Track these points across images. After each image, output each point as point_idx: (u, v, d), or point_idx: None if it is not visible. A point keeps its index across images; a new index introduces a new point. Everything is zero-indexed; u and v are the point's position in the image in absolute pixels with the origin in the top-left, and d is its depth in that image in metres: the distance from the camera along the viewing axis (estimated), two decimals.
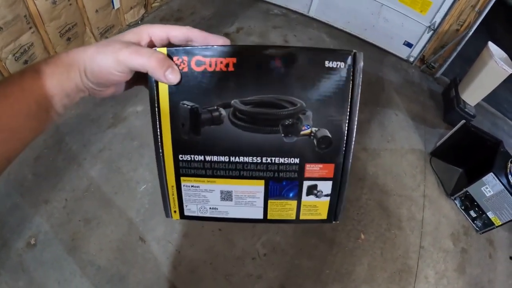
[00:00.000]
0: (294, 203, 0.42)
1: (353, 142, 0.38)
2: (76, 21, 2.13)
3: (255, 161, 0.39)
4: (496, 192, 1.88)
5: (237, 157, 0.39)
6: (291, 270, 1.61)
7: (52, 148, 1.77)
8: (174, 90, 0.35)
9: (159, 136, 0.38)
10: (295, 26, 3.32)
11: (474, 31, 2.86)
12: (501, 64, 2.36)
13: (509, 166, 1.90)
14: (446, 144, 2.31)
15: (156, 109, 0.36)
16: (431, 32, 3.08)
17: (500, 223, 1.93)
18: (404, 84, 3.07)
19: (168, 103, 0.36)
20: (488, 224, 1.98)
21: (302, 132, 0.37)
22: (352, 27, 3.40)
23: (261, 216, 0.43)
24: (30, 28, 1.84)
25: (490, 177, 1.89)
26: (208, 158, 0.39)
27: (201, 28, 0.36)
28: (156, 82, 0.35)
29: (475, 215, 2.03)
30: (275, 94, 0.36)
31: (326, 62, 0.35)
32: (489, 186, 1.91)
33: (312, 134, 0.37)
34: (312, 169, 0.39)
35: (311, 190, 0.41)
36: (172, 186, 0.41)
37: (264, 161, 0.39)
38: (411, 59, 3.34)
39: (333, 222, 0.43)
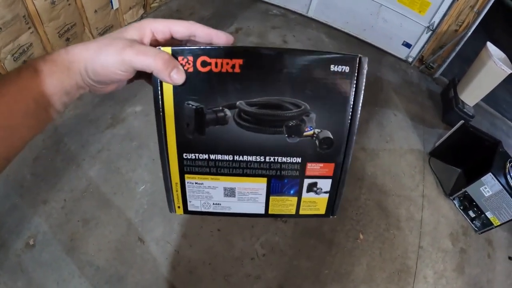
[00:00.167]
0: (294, 199, 0.43)
1: (353, 143, 0.39)
2: (75, 21, 2.13)
3: (259, 160, 0.40)
4: (494, 192, 1.89)
5: (241, 156, 0.39)
6: (289, 270, 1.61)
7: (50, 149, 1.77)
8: (178, 90, 0.35)
9: (163, 135, 0.38)
10: (294, 26, 3.32)
11: (473, 31, 2.87)
12: (500, 64, 2.37)
13: (507, 166, 1.91)
14: (444, 144, 2.31)
15: (160, 108, 0.36)
16: (429, 33, 3.09)
17: (499, 223, 1.93)
18: (403, 84, 3.07)
19: (173, 103, 0.36)
20: (487, 224, 1.99)
21: (305, 133, 0.38)
22: (351, 27, 3.41)
23: (262, 211, 0.44)
24: (29, 28, 1.84)
25: (488, 177, 1.89)
26: (212, 156, 0.39)
27: None
28: (161, 82, 0.35)
29: (474, 215, 2.04)
30: (280, 96, 0.36)
31: (332, 66, 0.35)
32: (487, 186, 1.91)
33: (315, 135, 0.38)
34: (313, 168, 0.41)
35: (311, 188, 0.42)
36: (176, 183, 0.42)
37: (267, 160, 0.40)
38: (410, 60, 3.35)
39: (331, 216, 0.45)
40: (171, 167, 0.40)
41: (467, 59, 2.97)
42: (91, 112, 1.99)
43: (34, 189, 1.61)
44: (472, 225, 2.06)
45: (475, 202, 2.00)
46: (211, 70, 0.34)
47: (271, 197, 0.43)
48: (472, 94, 2.66)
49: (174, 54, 0.34)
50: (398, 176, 2.21)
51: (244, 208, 0.44)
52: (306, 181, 0.42)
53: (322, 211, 0.44)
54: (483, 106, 3.14)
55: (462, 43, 2.95)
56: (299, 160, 0.40)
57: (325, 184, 0.42)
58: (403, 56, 3.37)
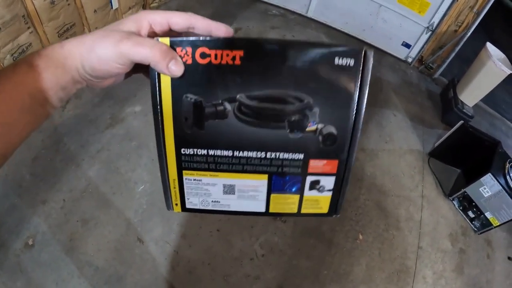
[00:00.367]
0: (296, 197, 0.42)
1: (357, 140, 0.37)
2: (74, 21, 2.13)
3: (259, 156, 0.38)
4: (494, 192, 1.89)
5: (241, 152, 0.38)
6: (289, 270, 1.61)
7: (50, 149, 1.77)
8: (177, 83, 0.34)
9: (161, 130, 0.37)
10: (293, 26, 3.32)
11: (472, 31, 2.87)
12: (499, 64, 2.37)
13: (507, 166, 1.91)
14: (444, 145, 2.31)
15: (158, 102, 0.35)
16: (429, 33, 3.09)
17: (498, 224, 1.93)
18: (402, 85, 3.08)
19: (171, 96, 0.35)
20: (486, 225, 1.99)
21: (308, 129, 0.37)
22: (351, 27, 3.41)
23: (263, 210, 0.43)
24: (28, 28, 1.84)
25: (488, 178, 1.89)
26: (211, 152, 0.38)
27: None
28: (158, 74, 0.34)
29: (473, 216, 2.04)
30: (282, 89, 0.35)
31: (336, 59, 0.34)
32: (487, 187, 1.91)
33: (318, 130, 0.37)
34: (316, 164, 0.39)
35: (314, 185, 0.41)
36: (174, 180, 0.40)
37: (268, 156, 0.38)
38: (409, 60, 3.35)
39: (334, 216, 0.43)
40: (168, 163, 0.39)
41: (466, 59, 2.97)
42: (91, 112, 1.99)
43: (33, 189, 1.60)
44: (472, 225, 2.06)
45: (474, 202, 2.00)
46: (210, 62, 0.33)
47: (272, 195, 0.41)
48: (472, 94, 2.66)
49: (172, 45, 0.33)
50: (397, 176, 2.21)
51: (244, 206, 0.42)
52: (309, 179, 0.40)
53: (324, 210, 0.43)
54: (483, 106, 3.14)
55: (462, 43, 2.95)
56: (301, 156, 0.38)
57: (328, 182, 0.40)
58: (402, 57, 3.37)
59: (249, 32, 3.05)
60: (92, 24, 2.27)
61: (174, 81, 0.34)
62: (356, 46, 0.34)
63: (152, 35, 0.34)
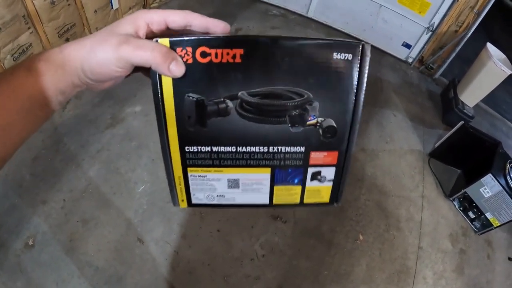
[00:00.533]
0: (298, 188, 0.43)
1: (356, 130, 0.39)
2: (74, 21, 2.13)
3: (262, 150, 0.39)
4: (494, 193, 1.89)
5: (244, 147, 0.39)
6: (289, 271, 1.61)
7: (50, 149, 1.77)
8: (178, 83, 0.34)
9: (164, 129, 0.37)
10: (294, 27, 3.32)
11: (473, 32, 2.87)
12: (500, 65, 2.37)
13: (507, 167, 1.91)
14: (444, 145, 2.31)
15: (160, 102, 0.36)
16: (429, 33, 3.09)
17: (499, 224, 1.93)
18: (403, 85, 3.07)
19: (173, 96, 0.35)
20: (486, 225, 1.99)
21: (308, 122, 0.38)
22: (351, 28, 3.41)
23: (267, 201, 0.44)
24: (29, 28, 1.84)
25: (488, 178, 1.89)
26: (215, 149, 0.39)
27: None
28: (159, 75, 0.34)
29: (474, 216, 2.04)
30: (282, 86, 0.36)
31: (335, 54, 0.34)
32: (487, 187, 1.91)
33: (318, 124, 0.38)
34: (316, 156, 0.40)
35: (315, 176, 0.42)
36: (179, 177, 0.41)
37: (270, 150, 0.39)
38: (410, 60, 3.35)
39: (335, 204, 0.45)
40: (173, 161, 0.40)
41: (467, 59, 2.97)
42: (91, 112, 1.99)
43: (33, 189, 1.60)
44: (472, 226, 2.06)
45: (474, 203, 2.00)
46: (211, 60, 0.34)
47: (275, 187, 0.43)
48: (472, 94, 2.66)
49: (172, 46, 0.33)
50: (398, 176, 2.21)
51: (249, 199, 0.43)
52: (310, 170, 0.41)
53: (326, 199, 0.44)
54: (483, 107, 3.14)
55: (462, 43, 2.95)
56: (302, 149, 0.40)
57: (329, 172, 0.42)
58: (403, 57, 3.37)
59: (249, 32, 3.05)
60: (92, 24, 2.27)
61: (176, 81, 0.34)
62: (353, 41, 0.35)
63: (150, 34, 0.34)
